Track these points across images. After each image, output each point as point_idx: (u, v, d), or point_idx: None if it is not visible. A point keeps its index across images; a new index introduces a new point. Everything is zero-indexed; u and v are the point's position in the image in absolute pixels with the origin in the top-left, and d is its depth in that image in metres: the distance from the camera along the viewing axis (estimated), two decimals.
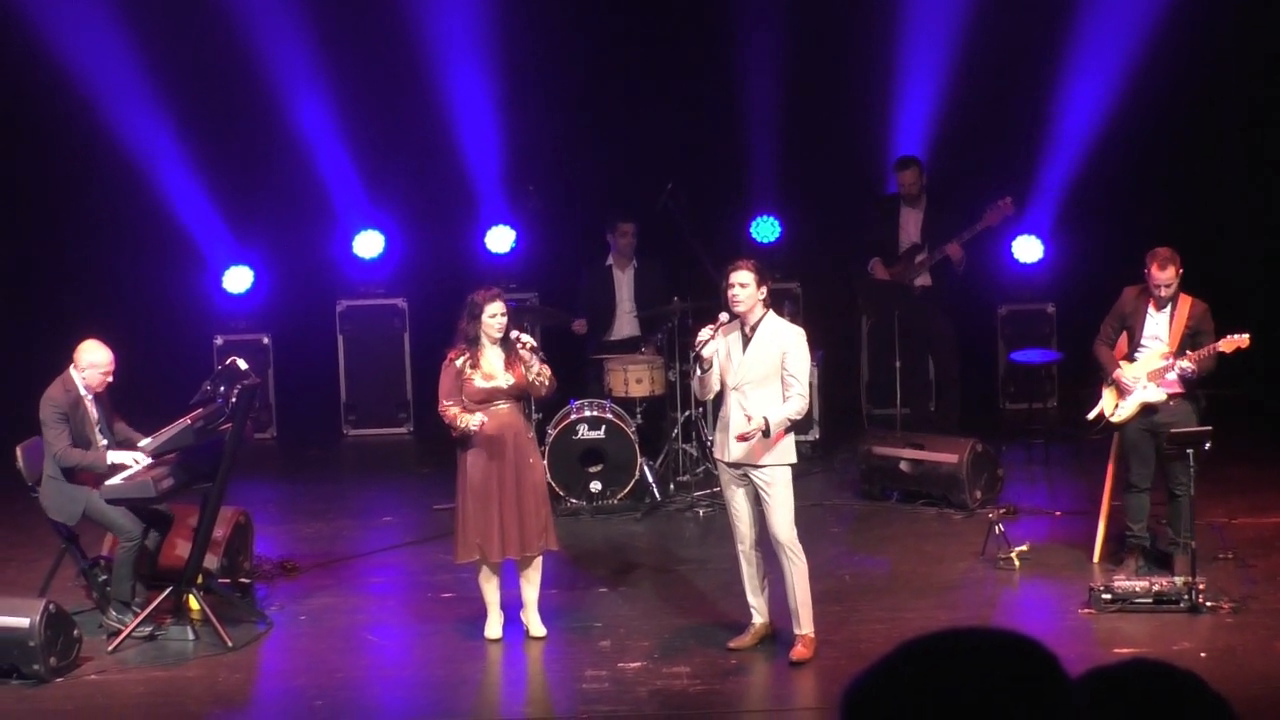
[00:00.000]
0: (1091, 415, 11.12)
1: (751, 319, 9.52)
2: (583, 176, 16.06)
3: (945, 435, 13.49)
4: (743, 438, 9.44)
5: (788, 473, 9.63)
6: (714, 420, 13.91)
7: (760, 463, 9.53)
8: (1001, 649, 2.26)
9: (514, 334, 10.09)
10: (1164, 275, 10.61)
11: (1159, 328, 10.76)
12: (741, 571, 9.86)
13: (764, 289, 9.52)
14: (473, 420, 9.83)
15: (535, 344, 10.10)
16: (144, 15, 15.83)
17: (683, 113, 16.18)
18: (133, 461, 10.29)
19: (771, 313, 9.63)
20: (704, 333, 9.54)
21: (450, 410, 9.93)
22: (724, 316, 9.53)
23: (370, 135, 16.30)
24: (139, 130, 15.99)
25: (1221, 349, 10.55)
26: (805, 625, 9.66)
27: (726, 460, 9.64)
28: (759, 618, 9.90)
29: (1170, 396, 10.72)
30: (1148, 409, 10.77)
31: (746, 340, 9.53)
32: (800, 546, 9.60)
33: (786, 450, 9.60)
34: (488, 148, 16.32)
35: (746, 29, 16.31)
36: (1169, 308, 10.72)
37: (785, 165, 16.27)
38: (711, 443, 13.49)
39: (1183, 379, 10.65)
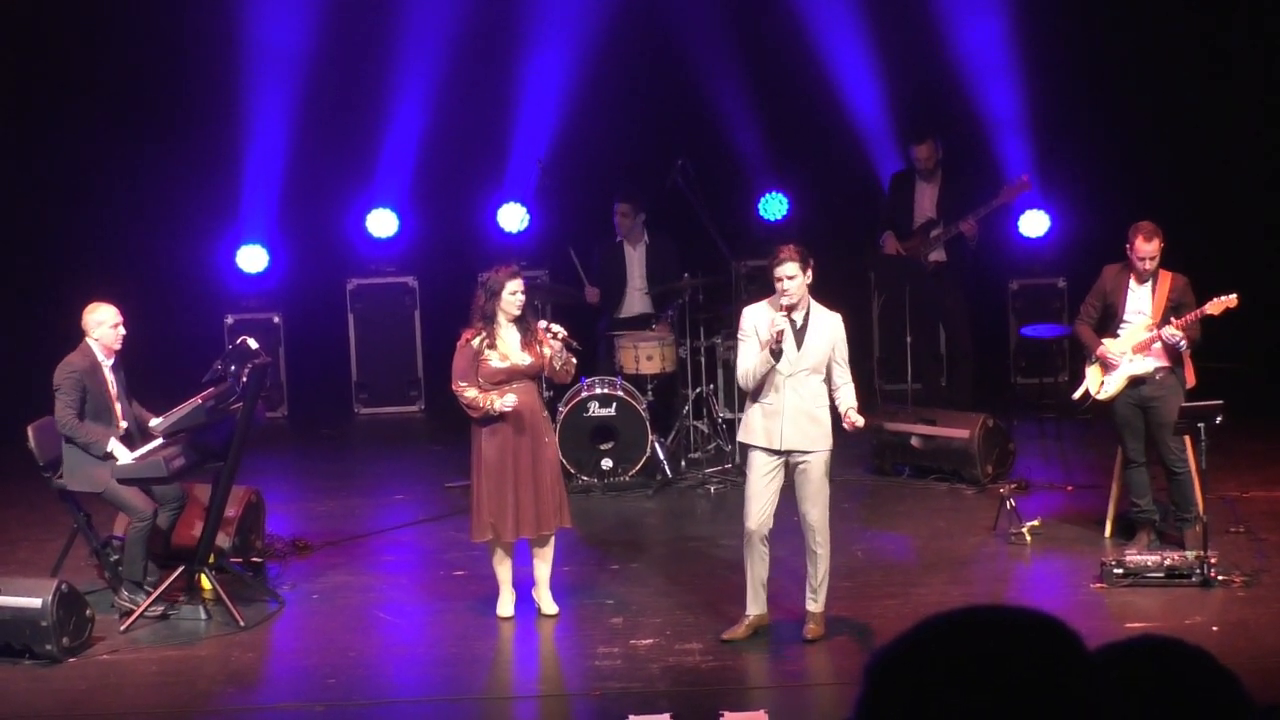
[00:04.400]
0: (1078, 394, 11.17)
1: (801, 307, 9.49)
2: (593, 153, 16.03)
3: (957, 410, 13.48)
4: (855, 426, 9.51)
5: (829, 456, 9.61)
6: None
7: (815, 448, 9.49)
8: (1026, 626, 2.26)
9: (543, 323, 10.05)
10: (1149, 248, 10.63)
11: (1141, 302, 10.79)
12: (750, 564, 9.72)
13: (809, 272, 9.47)
14: (507, 401, 9.79)
15: (566, 334, 10.07)
16: None
17: (692, 89, 16.15)
18: (129, 460, 10.26)
19: (813, 300, 9.59)
20: (779, 322, 9.39)
21: (468, 392, 9.89)
22: (787, 300, 9.41)
23: (382, 114, 16.27)
24: (149, 107, 16.01)
25: (1210, 312, 10.57)
26: (823, 603, 9.66)
27: (776, 448, 9.52)
28: (755, 609, 9.76)
29: (1157, 369, 10.73)
30: (1135, 382, 10.79)
31: (797, 328, 9.46)
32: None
33: (830, 435, 9.59)
34: (500, 125, 16.28)
35: (755, 3, 16.28)
36: (1150, 282, 10.75)
37: (793, 141, 16.25)
38: (724, 425, 13.52)
39: (1170, 348, 10.65)
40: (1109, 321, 10.91)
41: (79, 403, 10.31)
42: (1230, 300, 10.57)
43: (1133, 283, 10.80)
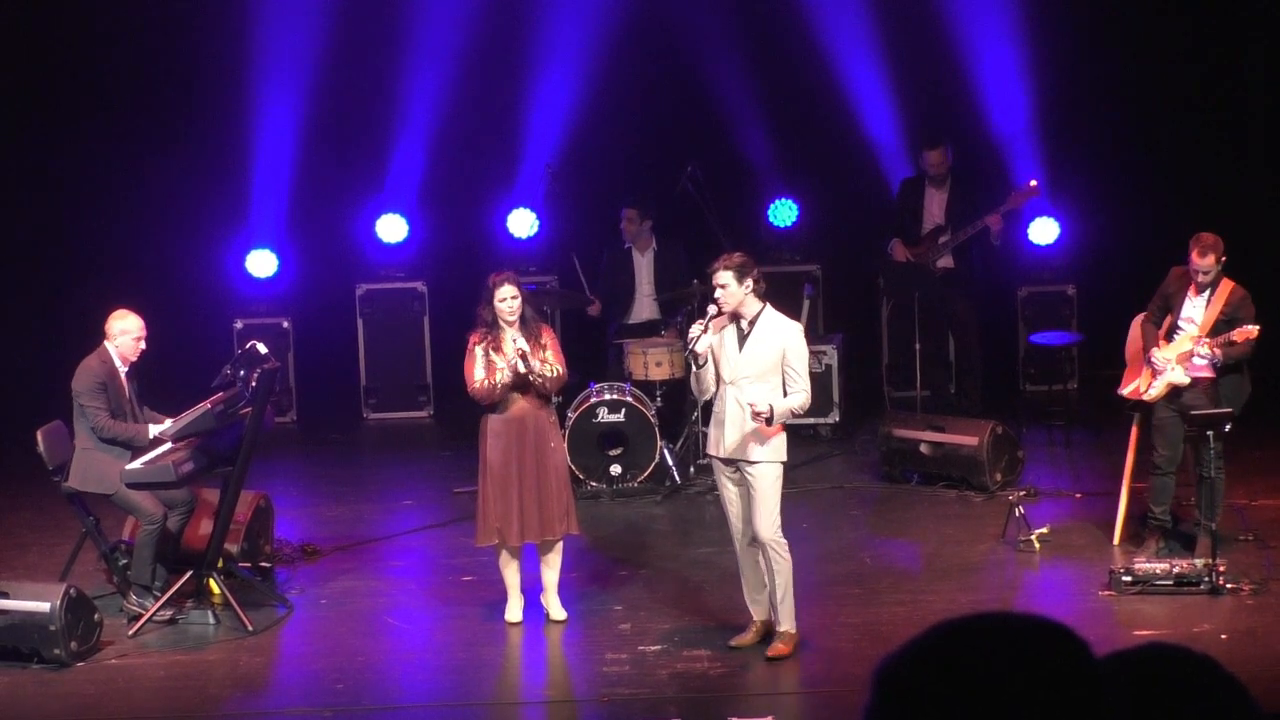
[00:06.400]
0: (1128, 390, 11.09)
1: (747, 313, 9.42)
2: (602, 159, 16.03)
3: (966, 417, 13.47)
4: (759, 415, 9.20)
5: (778, 469, 9.48)
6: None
7: (753, 458, 9.43)
8: (1033, 633, 2.26)
9: (515, 337, 10.00)
10: (1204, 262, 10.58)
11: (1195, 311, 10.75)
12: (741, 572, 9.71)
13: (749, 283, 9.37)
14: (509, 355, 9.83)
15: (526, 350, 9.94)
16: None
17: (701, 94, 16.15)
18: (139, 464, 10.26)
19: (769, 307, 9.50)
20: (694, 329, 9.46)
21: (483, 384, 9.90)
22: (713, 309, 9.46)
23: (392, 119, 16.28)
24: (159, 112, 16.03)
25: (1234, 339, 10.53)
26: (786, 622, 9.52)
27: (720, 455, 9.53)
28: (759, 616, 9.72)
29: (1195, 380, 10.70)
30: (1175, 391, 10.76)
31: (742, 334, 9.42)
32: (785, 543, 9.44)
33: (779, 448, 9.46)
34: (510, 130, 16.29)
35: (765, 9, 16.27)
36: (1208, 292, 10.70)
37: (802, 147, 16.24)
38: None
39: (1212, 364, 10.63)
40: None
41: (107, 405, 10.36)
42: (1250, 332, 10.53)
43: (1191, 290, 10.77)
